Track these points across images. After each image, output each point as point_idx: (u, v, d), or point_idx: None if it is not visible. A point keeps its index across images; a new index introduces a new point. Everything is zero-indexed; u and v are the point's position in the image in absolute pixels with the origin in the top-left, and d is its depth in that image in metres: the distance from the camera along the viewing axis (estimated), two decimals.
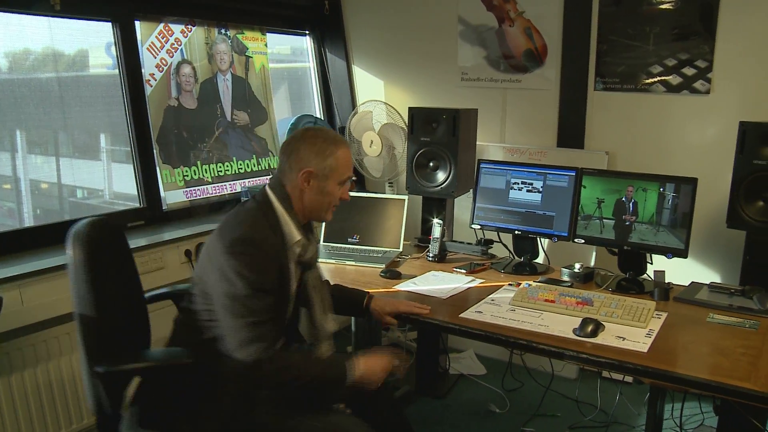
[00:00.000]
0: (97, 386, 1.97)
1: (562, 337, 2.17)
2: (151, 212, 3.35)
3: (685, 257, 2.57)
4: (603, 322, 2.22)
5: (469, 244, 3.18)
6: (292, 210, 2.07)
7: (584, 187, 2.78)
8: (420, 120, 3.32)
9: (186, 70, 3.55)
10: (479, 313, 2.39)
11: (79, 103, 3.20)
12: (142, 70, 3.32)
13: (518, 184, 2.96)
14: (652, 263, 2.69)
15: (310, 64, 4.46)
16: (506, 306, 2.45)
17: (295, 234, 2.07)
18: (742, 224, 2.70)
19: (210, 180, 3.67)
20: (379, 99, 4.02)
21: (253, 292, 1.92)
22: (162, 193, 3.41)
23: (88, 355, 1.99)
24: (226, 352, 1.94)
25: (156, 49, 3.39)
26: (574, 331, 2.18)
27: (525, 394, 3.46)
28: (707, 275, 3.30)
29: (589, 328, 2.16)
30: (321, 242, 3.20)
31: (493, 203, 3.02)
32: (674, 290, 2.58)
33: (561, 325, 2.25)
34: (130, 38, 3.24)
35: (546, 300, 2.43)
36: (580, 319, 2.22)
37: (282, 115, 4.21)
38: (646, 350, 2.06)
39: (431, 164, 3.32)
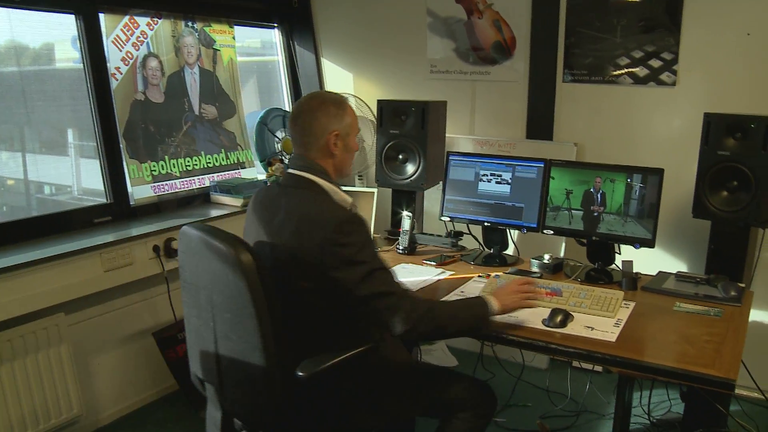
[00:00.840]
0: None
1: (532, 327, 2.18)
2: (118, 208, 3.30)
3: (653, 247, 2.60)
4: (572, 313, 2.24)
5: (438, 236, 3.19)
6: (332, 180, 2.10)
7: (553, 178, 2.80)
8: (389, 113, 3.31)
9: (152, 63, 3.50)
10: None
11: (44, 97, 3.14)
12: (108, 64, 3.26)
13: (487, 175, 2.97)
14: (620, 253, 2.71)
15: (279, 57, 4.42)
16: None
17: (346, 197, 2.11)
18: (707, 214, 2.73)
19: (178, 174, 3.63)
20: (349, 92, 4.01)
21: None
22: (129, 189, 3.36)
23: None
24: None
25: (121, 42, 3.33)
26: (544, 321, 2.19)
27: (496, 385, 3.42)
28: (674, 264, 3.35)
29: (558, 319, 2.17)
30: None
31: (463, 195, 3.02)
32: (642, 280, 2.61)
33: (530, 315, 2.26)
34: (95, 31, 3.18)
35: None
36: (549, 310, 2.23)
37: (251, 109, 4.17)
38: (614, 339, 2.08)
39: (400, 157, 3.31)
